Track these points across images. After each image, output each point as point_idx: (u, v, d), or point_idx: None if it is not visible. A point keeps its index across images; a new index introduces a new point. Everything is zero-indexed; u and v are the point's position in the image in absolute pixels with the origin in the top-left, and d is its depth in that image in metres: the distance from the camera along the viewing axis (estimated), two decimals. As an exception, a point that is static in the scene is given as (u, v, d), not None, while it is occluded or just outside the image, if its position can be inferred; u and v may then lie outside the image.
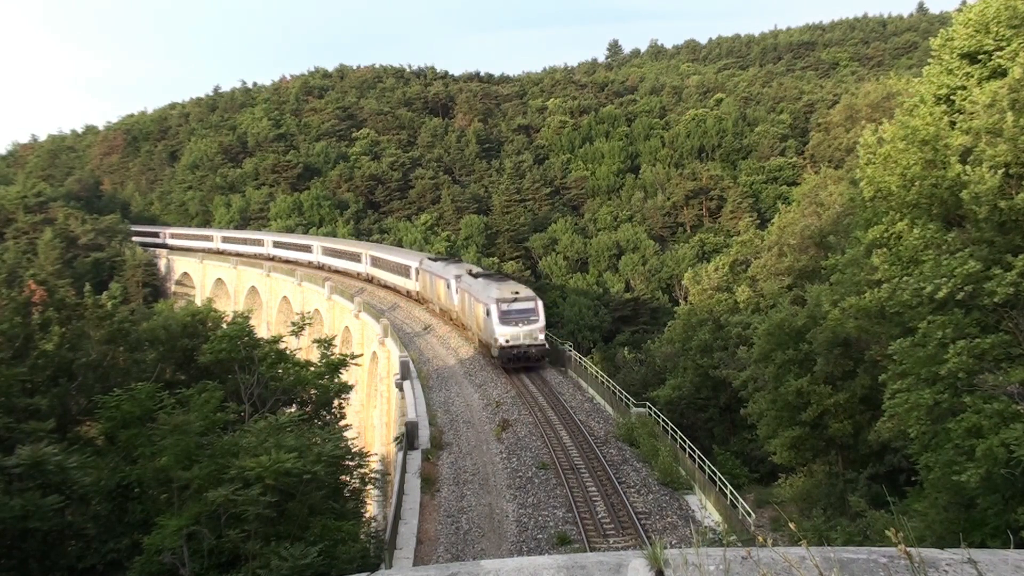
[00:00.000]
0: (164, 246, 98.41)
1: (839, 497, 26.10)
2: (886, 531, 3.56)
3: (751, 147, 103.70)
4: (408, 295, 54.88)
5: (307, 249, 74.10)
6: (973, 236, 16.22)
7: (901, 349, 16.58)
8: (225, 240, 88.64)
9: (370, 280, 62.11)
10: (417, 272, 51.94)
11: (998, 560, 3.59)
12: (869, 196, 19.38)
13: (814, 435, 27.76)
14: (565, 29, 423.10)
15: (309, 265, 71.98)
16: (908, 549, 3.49)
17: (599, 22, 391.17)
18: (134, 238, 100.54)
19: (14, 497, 12.48)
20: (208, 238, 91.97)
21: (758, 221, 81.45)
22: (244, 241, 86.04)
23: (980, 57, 18.96)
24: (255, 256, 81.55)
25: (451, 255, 59.76)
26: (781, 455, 28.65)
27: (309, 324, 23.97)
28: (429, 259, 52.11)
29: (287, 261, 75.55)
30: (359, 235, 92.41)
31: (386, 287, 59.35)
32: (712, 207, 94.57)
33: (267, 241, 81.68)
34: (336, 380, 20.83)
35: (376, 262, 60.97)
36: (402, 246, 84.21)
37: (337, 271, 68.13)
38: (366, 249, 65.13)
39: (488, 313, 36.23)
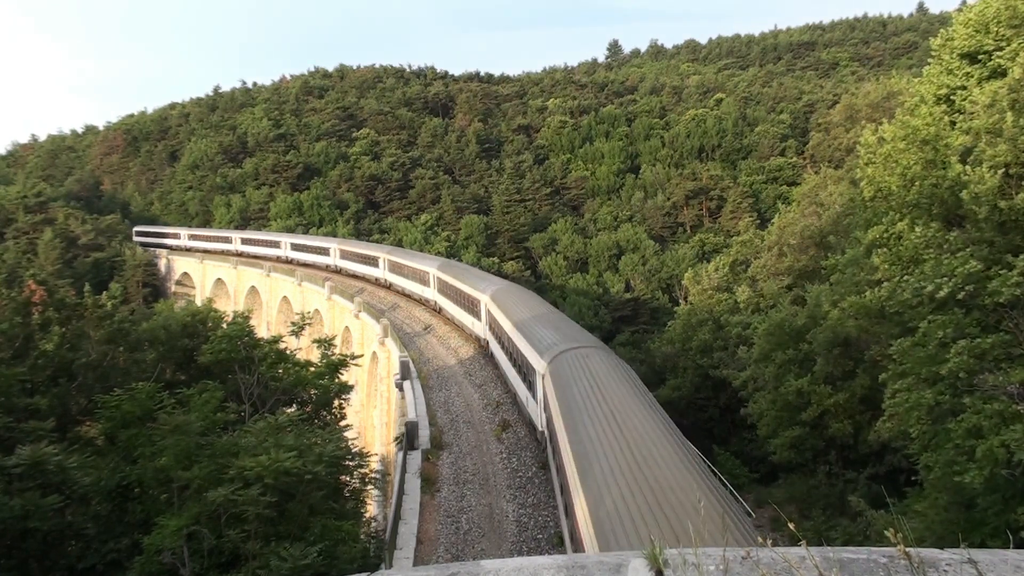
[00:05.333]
0: (335, 269, 68.08)
1: (839, 497, 26.09)
2: (885, 531, 3.56)
3: (751, 147, 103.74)
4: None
5: (475, 308, 38.79)
6: (973, 236, 16.22)
7: (901, 349, 16.58)
8: (393, 268, 57.03)
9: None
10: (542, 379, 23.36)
11: (998, 560, 3.59)
12: (869, 196, 19.40)
13: (814, 435, 27.76)
14: (565, 29, 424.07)
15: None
16: (908, 549, 3.49)
17: (599, 22, 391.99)
18: (294, 254, 74.09)
19: (14, 497, 12.48)
20: (373, 261, 61.37)
21: (758, 221, 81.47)
22: (408, 271, 54.01)
23: (980, 57, 18.99)
24: (421, 301, 51.75)
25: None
26: (781, 455, 28.65)
27: (309, 324, 23.97)
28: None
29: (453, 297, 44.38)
30: (359, 235, 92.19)
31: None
32: (712, 207, 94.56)
33: (431, 277, 48.23)
34: (336, 380, 20.85)
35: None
36: (402, 246, 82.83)
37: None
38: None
39: None
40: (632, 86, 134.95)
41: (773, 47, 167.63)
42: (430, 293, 48.47)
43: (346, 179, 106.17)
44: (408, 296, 54.32)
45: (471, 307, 37.67)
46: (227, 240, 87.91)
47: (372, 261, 61.09)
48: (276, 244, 78.82)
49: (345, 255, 66.13)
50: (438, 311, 47.29)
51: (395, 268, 56.59)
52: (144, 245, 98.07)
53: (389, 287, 57.99)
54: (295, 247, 75.20)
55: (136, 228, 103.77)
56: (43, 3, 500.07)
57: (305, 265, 71.13)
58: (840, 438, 26.78)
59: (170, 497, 13.52)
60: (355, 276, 64.00)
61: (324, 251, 70.17)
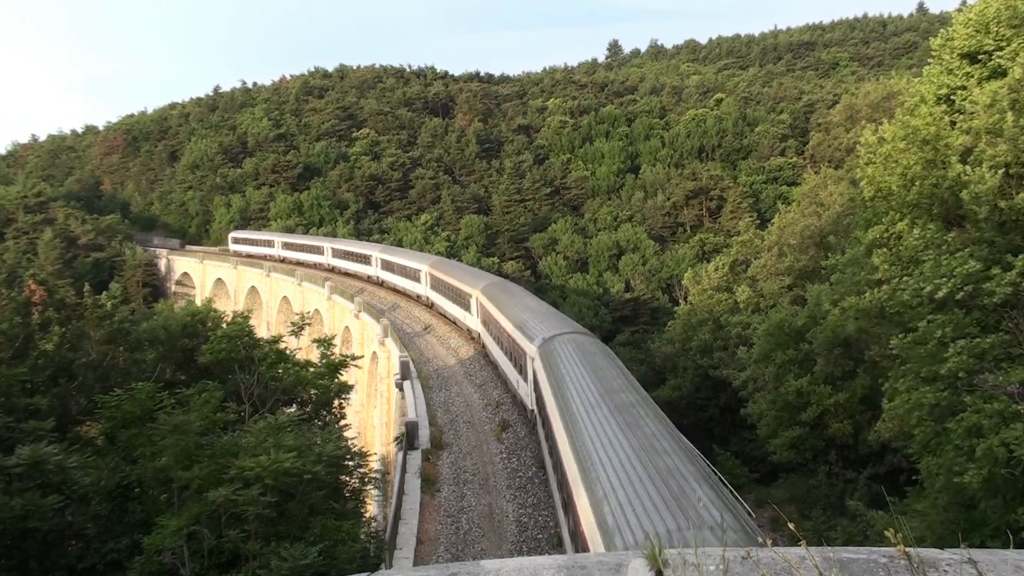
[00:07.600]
0: (427, 303, 51.82)
1: (839, 497, 26.10)
2: (885, 531, 3.56)
3: (751, 147, 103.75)
4: None
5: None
6: (973, 236, 16.22)
7: (902, 345, 16.57)
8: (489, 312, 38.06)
9: None
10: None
11: (998, 560, 3.59)
12: (869, 196, 19.39)
13: (814, 435, 27.78)
14: (565, 29, 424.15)
15: None
16: (907, 549, 3.48)
17: (599, 22, 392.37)
18: None
19: (14, 497, 12.48)
20: (465, 301, 43.27)
21: (758, 221, 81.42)
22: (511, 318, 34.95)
23: (980, 57, 18.98)
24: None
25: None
26: (781, 455, 28.66)
27: (309, 324, 23.98)
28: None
29: None
30: (359, 235, 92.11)
31: None
32: (712, 207, 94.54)
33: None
34: (336, 380, 20.85)
35: None
36: (403, 246, 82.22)
37: None
38: None
39: None
40: (632, 86, 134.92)
41: (773, 47, 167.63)
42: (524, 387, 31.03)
43: (346, 179, 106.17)
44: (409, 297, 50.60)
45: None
46: (319, 251, 71.40)
47: (464, 301, 42.03)
48: (366, 259, 63.25)
49: (436, 285, 48.02)
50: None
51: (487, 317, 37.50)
52: (238, 254, 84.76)
53: (477, 338, 40.32)
54: (385, 265, 59.04)
55: (233, 234, 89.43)
56: (43, 2, 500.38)
57: (395, 291, 57.06)
58: (840, 438, 26.80)
59: (170, 497, 13.53)
60: (446, 318, 46.53)
61: (415, 275, 52.78)
